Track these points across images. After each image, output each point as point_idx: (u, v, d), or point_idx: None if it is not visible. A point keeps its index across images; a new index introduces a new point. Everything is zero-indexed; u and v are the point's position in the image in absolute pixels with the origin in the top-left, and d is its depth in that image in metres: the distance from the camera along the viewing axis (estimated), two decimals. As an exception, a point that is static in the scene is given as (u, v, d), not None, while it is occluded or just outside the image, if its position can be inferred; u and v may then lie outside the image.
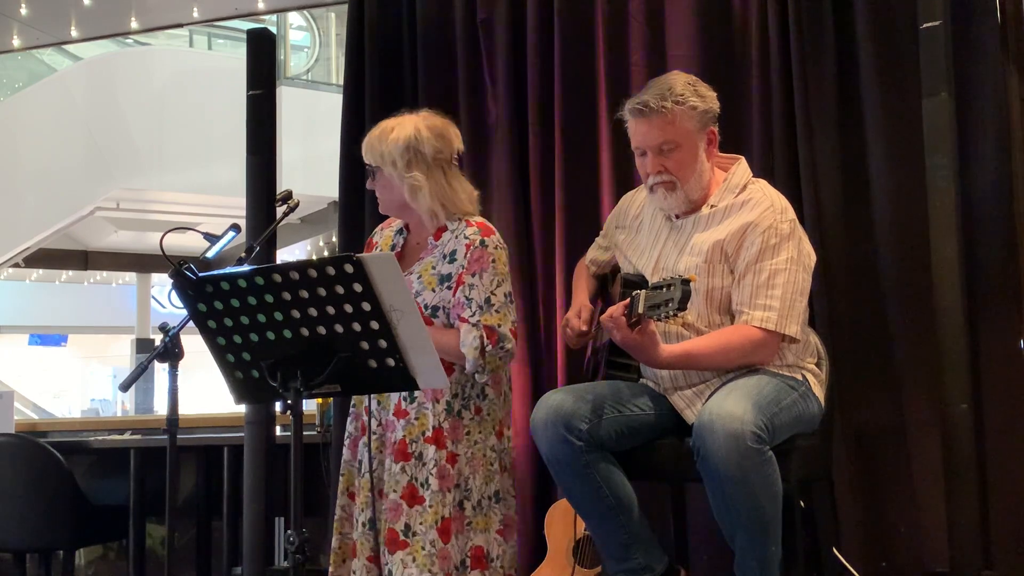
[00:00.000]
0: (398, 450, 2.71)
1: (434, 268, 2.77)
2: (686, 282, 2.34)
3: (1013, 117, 3.20)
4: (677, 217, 2.77)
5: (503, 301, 2.72)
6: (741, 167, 2.79)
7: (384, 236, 2.98)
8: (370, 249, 2.98)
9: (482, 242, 2.73)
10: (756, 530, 2.43)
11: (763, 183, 2.78)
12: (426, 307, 2.73)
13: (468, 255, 2.72)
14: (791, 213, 2.70)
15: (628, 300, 2.47)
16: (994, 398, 3.13)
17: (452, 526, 2.66)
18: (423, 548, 2.63)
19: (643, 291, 2.44)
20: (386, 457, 2.74)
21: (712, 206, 2.72)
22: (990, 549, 3.05)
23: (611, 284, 3.01)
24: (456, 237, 2.76)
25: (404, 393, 2.71)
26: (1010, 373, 3.14)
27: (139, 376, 2.67)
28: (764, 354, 2.64)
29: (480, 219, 2.83)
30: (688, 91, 2.66)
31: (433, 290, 2.74)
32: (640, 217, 2.89)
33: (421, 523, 2.65)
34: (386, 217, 3.04)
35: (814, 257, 2.74)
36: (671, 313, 2.34)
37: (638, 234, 2.86)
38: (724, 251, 2.66)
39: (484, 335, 2.66)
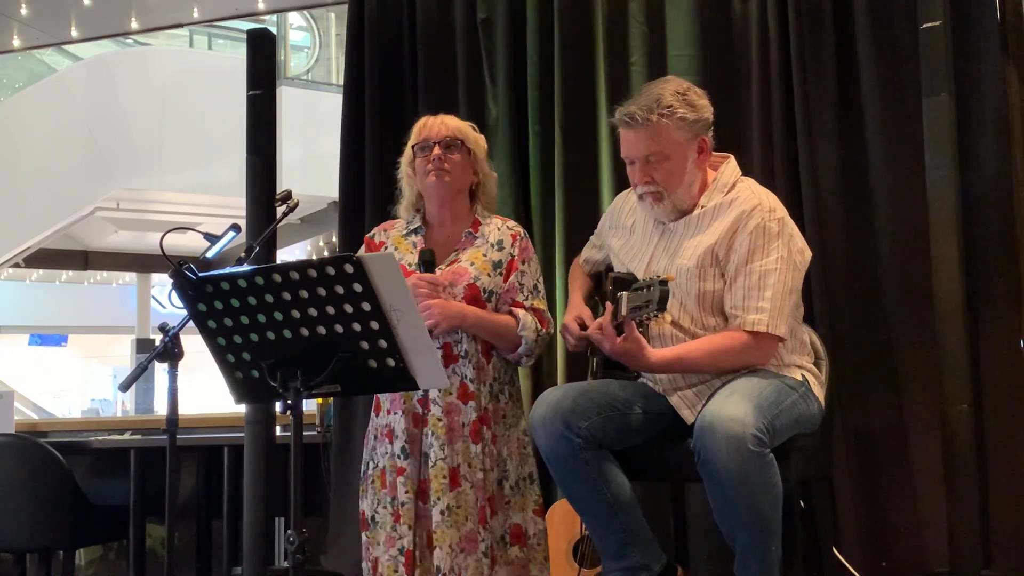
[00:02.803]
0: (473, 431, 2.76)
1: (485, 255, 2.86)
2: (664, 282, 2.35)
3: (1013, 117, 3.20)
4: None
5: (543, 290, 2.94)
6: (730, 165, 2.77)
7: (392, 236, 2.95)
8: (370, 248, 2.97)
9: (525, 234, 2.94)
10: (756, 531, 2.43)
11: (750, 181, 2.76)
12: (484, 291, 2.82)
13: (516, 244, 2.88)
14: (780, 211, 2.68)
15: (615, 306, 2.50)
16: (994, 398, 3.12)
17: (492, 504, 2.77)
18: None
19: (625, 293, 2.47)
20: (457, 441, 2.75)
21: (702, 207, 2.70)
22: (990, 549, 3.04)
23: (605, 282, 3.01)
24: (498, 228, 2.91)
25: (470, 375, 2.78)
26: (1010, 373, 3.13)
27: (138, 376, 2.66)
28: (758, 356, 2.63)
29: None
30: (677, 101, 2.62)
31: (488, 275, 2.84)
32: (633, 217, 2.88)
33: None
34: (385, 217, 3.06)
35: (808, 253, 2.73)
36: (652, 314, 2.37)
37: (631, 235, 2.85)
38: (715, 254, 2.65)
39: (537, 319, 2.83)
